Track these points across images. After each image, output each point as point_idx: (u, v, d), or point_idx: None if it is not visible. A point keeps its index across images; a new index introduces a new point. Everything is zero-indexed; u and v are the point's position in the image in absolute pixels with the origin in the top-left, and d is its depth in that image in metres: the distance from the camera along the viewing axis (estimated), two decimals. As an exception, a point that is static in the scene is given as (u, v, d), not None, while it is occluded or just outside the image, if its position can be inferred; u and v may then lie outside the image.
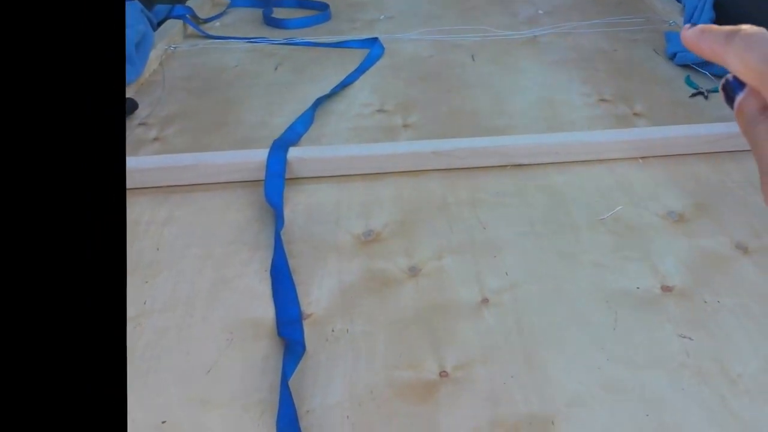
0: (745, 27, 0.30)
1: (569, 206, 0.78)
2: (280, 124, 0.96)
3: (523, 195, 0.80)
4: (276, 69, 1.17)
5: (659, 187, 0.81)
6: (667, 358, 0.58)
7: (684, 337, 0.60)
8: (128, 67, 1.06)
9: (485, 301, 0.65)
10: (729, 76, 0.32)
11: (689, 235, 0.73)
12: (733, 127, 0.88)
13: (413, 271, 0.69)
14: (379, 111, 1.00)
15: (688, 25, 0.33)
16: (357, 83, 1.09)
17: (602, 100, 1.03)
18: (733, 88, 0.32)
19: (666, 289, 0.66)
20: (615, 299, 0.65)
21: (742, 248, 0.71)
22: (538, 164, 0.86)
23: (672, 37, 1.17)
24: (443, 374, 0.57)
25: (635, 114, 0.99)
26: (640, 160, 0.86)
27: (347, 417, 0.54)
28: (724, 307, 0.63)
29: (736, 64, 0.30)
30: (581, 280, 0.67)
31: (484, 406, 0.54)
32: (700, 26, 0.32)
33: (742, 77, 0.30)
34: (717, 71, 1.06)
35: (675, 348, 0.59)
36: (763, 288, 0.65)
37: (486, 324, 0.62)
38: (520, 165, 0.85)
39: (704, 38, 0.31)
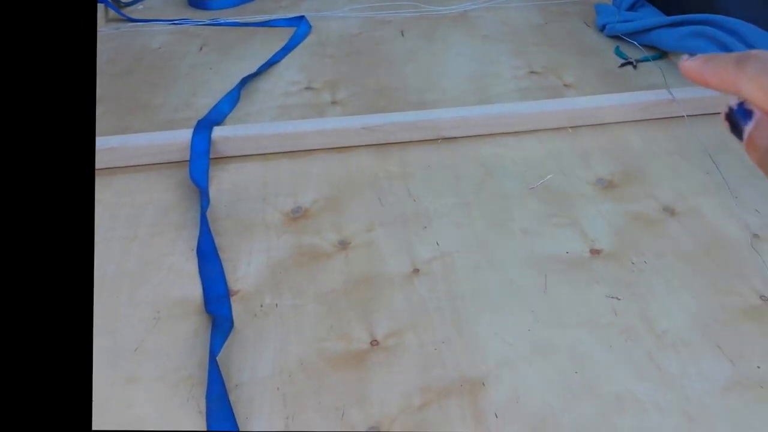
0: (756, 52, 0.29)
1: (500, 177, 0.80)
2: (205, 104, 0.96)
3: (453, 167, 0.82)
4: (201, 50, 1.16)
5: (589, 155, 0.84)
6: (596, 318, 0.61)
7: (612, 297, 0.63)
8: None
9: (416, 271, 0.66)
10: (732, 104, 0.30)
11: (618, 200, 0.76)
12: (660, 95, 0.91)
13: (343, 245, 0.70)
14: (307, 89, 1.01)
15: (686, 56, 0.31)
16: (284, 62, 1.09)
17: (532, 72, 1.05)
18: (739, 117, 0.30)
19: (594, 252, 0.68)
20: (545, 264, 0.67)
21: (669, 211, 0.73)
22: (468, 137, 0.87)
23: (601, 9, 1.20)
24: (374, 343, 0.59)
25: (565, 85, 1.01)
26: (570, 130, 0.89)
27: (277, 389, 0.55)
28: (650, 267, 0.66)
29: (753, 91, 0.28)
30: (511, 248, 0.69)
31: (415, 372, 0.56)
32: (702, 55, 0.31)
33: (761, 105, 0.28)
34: (645, 41, 1.10)
35: (603, 308, 0.62)
36: (688, 247, 0.68)
37: (417, 293, 0.64)
38: (450, 138, 0.87)
39: (710, 67, 0.30)
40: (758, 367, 0.55)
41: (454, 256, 0.68)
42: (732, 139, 0.92)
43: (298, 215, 0.74)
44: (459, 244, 0.70)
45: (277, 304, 0.63)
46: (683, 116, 0.89)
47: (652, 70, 1.04)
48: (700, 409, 0.52)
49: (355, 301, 0.63)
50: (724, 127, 0.31)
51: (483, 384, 0.55)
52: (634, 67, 1.06)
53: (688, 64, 0.31)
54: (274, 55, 1.09)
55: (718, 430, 0.50)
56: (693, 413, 0.52)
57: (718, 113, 0.97)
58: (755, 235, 0.69)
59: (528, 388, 0.54)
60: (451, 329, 0.60)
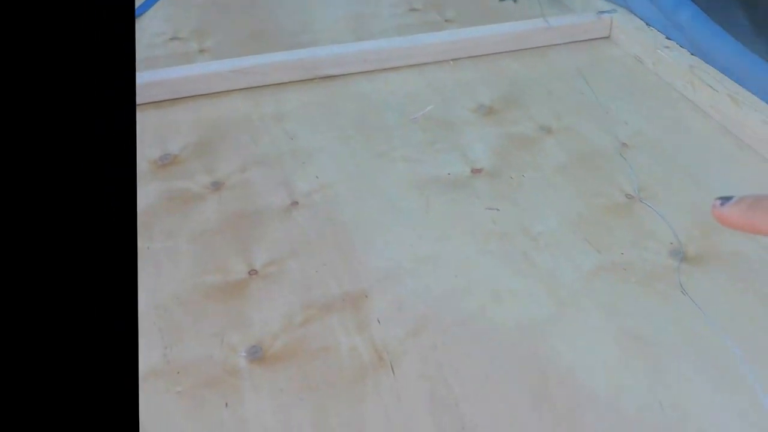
0: None
1: (380, 111, 0.85)
2: (62, 63, 0.97)
3: (332, 105, 0.87)
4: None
5: (469, 85, 0.90)
6: (476, 229, 0.67)
7: (491, 209, 0.69)
8: None
9: (294, 203, 0.71)
10: None
11: (498, 124, 0.82)
12: (537, 24, 0.98)
13: (216, 186, 0.73)
14: (173, 39, 1.03)
15: (718, 201, 0.30)
16: (147, 14, 1.11)
17: (412, 9, 1.11)
18: None
19: (476, 171, 0.74)
20: (427, 187, 0.73)
21: (546, 129, 0.80)
22: (347, 74, 0.92)
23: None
24: (252, 273, 0.63)
25: (446, 21, 1.08)
26: (451, 62, 0.95)
27: (153, 323, 0.58)
28: (528, 180, 0.73)
29: None
30: (394, 175, 0.75)
31: (296, 294, 0.60)
32: (741, 200, 0.29)
33: None
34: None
35: (483, 219, 0.68)
36: (563, 160, 0.75)
37: (296, 223, 0.68)
38: (328, 77, 0.92)
39: (760, 215, 0.28)
40: (622, 254, 0.63)
41: (335, 187, 0.73)
42: (603, 60, 1.02)
43: (166, 162, 0.77)
44: (340, 175, 0.75)
45: (148, 247, 0.66)
46: (559, 43, 0.97)
47: (531, 4, 1.11)
48: (569, 294, 0.59)
49: (231, 238, 0.67)
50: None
51: (366, 296, 0.60)
52: (515, 1, 1.13)
53: (728, 211, 0.29)
54: (137, 9, 1.11)
55: (586, 309, 0.57)
56: (563, 297, 0.58)
57: (591, 39, 1.05)
58: (623, 144, 0.77)
59: (410, 294, 0.60)
60: (333, 253, 0.65)
